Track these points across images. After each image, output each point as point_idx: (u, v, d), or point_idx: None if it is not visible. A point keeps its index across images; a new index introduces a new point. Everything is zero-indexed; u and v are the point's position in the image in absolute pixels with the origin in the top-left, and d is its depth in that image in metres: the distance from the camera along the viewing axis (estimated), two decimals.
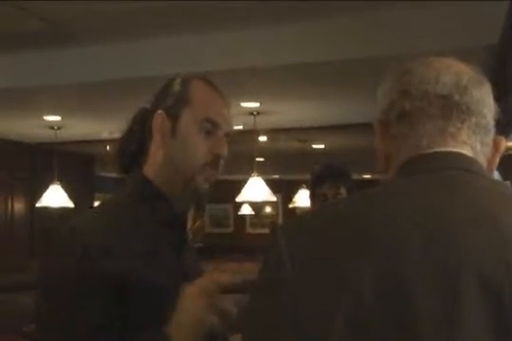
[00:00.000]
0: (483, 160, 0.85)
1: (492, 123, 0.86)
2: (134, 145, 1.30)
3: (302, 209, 8.37)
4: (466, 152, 0.83)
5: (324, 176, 2.45)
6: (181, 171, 1.24)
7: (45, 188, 6.13)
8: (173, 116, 1.25)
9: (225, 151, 1.27)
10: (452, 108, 0.83)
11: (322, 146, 8.00)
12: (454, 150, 0.83)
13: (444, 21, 3.33)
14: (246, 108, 5.18)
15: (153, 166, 1.27)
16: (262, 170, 5.99)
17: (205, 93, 1.29)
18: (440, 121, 0.83)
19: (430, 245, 0.69)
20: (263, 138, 6.92)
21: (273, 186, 6.36)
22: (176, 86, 1.29)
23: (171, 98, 1.27)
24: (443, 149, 0.83)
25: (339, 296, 0.68)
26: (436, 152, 0.82)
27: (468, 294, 0.66)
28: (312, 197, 2.54)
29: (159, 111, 1.26)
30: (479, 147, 0.84)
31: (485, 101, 0.85)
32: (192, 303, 1.08)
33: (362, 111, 5.33)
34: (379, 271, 0.68)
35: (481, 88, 0.86)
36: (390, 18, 3.46)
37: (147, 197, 1.25)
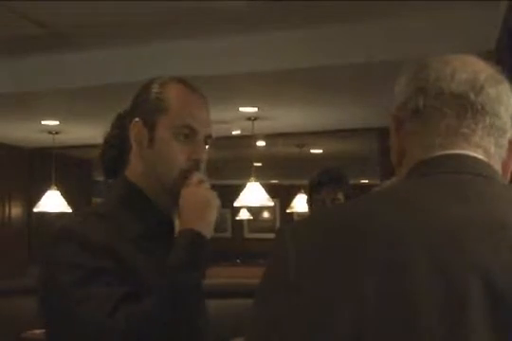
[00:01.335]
0: (497, 163, 0.83)
1: (509, 124, 0.84)
2: (114, 150, 1.32)
3: (300, 214, 8.36)
4: (479, 154, 0.81)
5: (322, 182, 2.47)
6: (161, 180, 1.25)
7: (43, 192, 6.11)
8: (150, 125, 1.25)
9: (203, 155, 1.26)
10: (467, 107, 0.81)
11: (320, 151, 8.00)
12: (466, 152, 0.80)
13: (442, 27, 3.34)
14: (244, 113, 5.19)
15: (134, 173, 1.28)
16: (260, 175, 5.99)
17: (181, 98, 1.27)
18: (453, 121, 0.81)
19: (436, 254, 0.68)
20: (261, 143, 6.92)
21: (271, 191, 6.36)
22: (154, 91, 1.28)
23: (148, 105, 1.27)
24: (455, 151, 0.80)
25: (343, 302, 0.67)
26: (448, 155, 0.80)
27: (477, 308, 0.65)
28: (310, 202, 2.56)
29: (136, 119, 1.26)
30: (493, 149, 0.82)
31: (502, 101, 0.83)
32: (195, 191, 1.22)
33: (360, 116, 5.36)
34: (383, 277, 0.67)
35: (498, 87, 0.83)
36: (388, 24, 3.47)
37: (132, 200, 1.26)
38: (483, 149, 0.81)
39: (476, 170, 0.79)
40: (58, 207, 6.05)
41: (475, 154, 0.80)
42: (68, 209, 6.09)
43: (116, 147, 1.32)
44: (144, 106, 1.27)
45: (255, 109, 5.10)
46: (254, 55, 3.79)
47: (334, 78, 4.07)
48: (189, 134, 1.24)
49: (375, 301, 0.66)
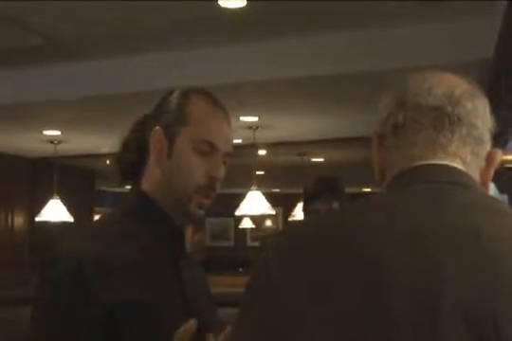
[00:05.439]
0: (474, 172, 0.85)
1: (487, 135, 0.86)
2: (133, 154, 1.29)
3: None
4: (456, 164, 0.83)
5: (317, 193, 2.42)
6: (176, 193, 1.22)
7: (45, 202, 6.13)
8: (171, 135, 1.23)
9: (221, 173, 1.24)
10: (444, 119, 0.83)
11: (322, 159, 8.02)
12: (444, 162, 0.82)
13: (440, 36, 3.36)
14: (245, 122, 5.21)
15: (149, 181, 1.26)
16: (262, 184, 6.00)
17: (204, 111, 1.25)
18: (431, 132, 0.84)
19: (412, 263, 0.69)
20: (262, 152, 6.93)
21: (273, 199, 6.37)
22: (175, 101, 1.26)
23: (169, 115, 1.24)
24: (433, 161, 0.83)
25: (323, 307, 0.69)
26: (426, 165, 0.82)
27: (449, 320, 0.65)
28: (305, 213, 2.52)
29: (157, 127, 1.24)
30: (469, 158, 0.84)
31: (479, 113, 0.85)
32: None
33: (361, 124, 5.36)
34: (360, 284, 0.69)
35: (474, 100, 0.86)
36: (388, 34, 3.49)
37: (144, 211, 1.24)
38: (459, 158, 0.83)
39: (454, 179, 0.81)
40: (60, 217, 6.07)
41: (453, 164, 0.83)
42: (70, 219, 6.11)
43: (134, 151, 1.28)
44: (165, 115, 1.25)
45: (256, 118, 5.13)
46: (254, 64, 3.81)
47: (334, 87, 4.09)
48: (208, 150, 1.22)
49: (354, 307, 0.68)
